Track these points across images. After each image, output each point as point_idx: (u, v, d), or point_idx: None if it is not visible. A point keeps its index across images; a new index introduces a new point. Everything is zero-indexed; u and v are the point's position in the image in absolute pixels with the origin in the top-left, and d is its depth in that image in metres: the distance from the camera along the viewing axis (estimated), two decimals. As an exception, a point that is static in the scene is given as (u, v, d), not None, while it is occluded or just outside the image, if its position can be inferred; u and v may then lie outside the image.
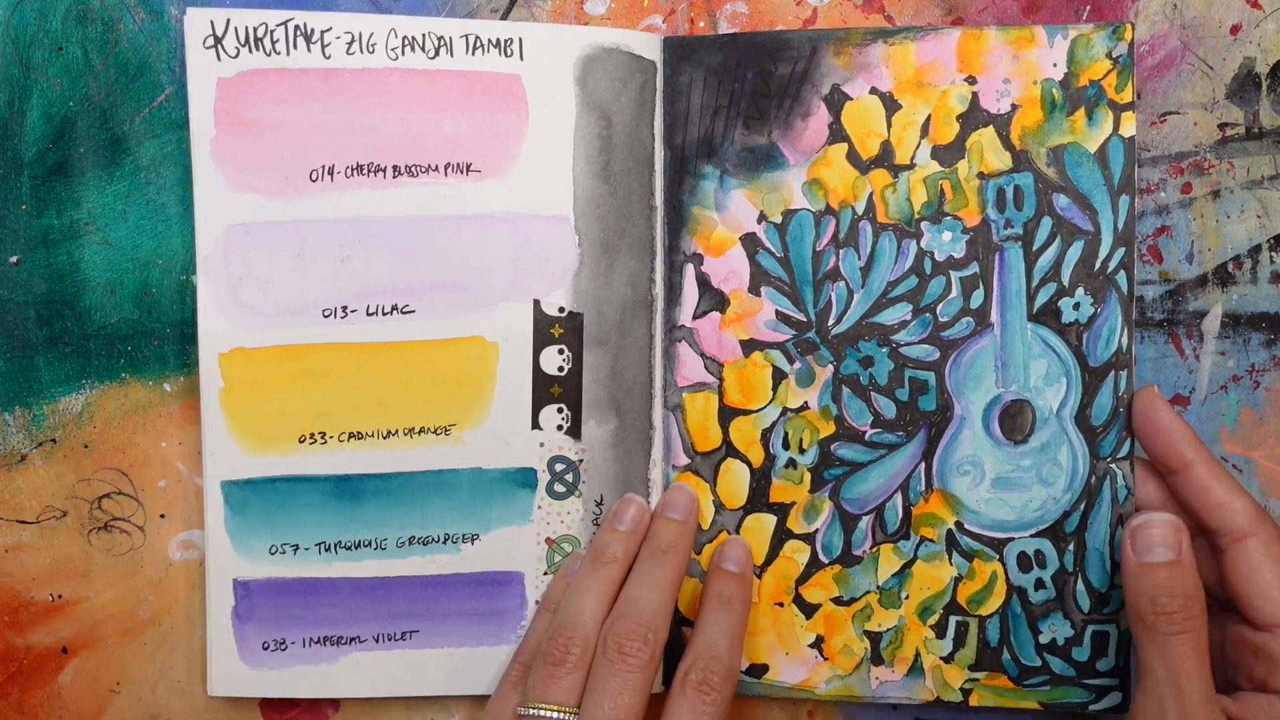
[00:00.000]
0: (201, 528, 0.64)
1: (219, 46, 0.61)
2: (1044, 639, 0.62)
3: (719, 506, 0.64)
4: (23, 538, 0.65)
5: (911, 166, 0.62)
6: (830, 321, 0.63)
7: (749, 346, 0.63)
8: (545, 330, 0.63)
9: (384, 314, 0.62)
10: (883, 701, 0.64)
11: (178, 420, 0.64)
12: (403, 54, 0.62)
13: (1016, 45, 0.61)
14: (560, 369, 0.63)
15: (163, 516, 0.65)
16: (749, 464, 0.64)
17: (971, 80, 0.61)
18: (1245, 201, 0.64)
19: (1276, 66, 0.64)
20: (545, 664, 0.57)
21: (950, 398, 0.62)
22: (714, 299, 0.63)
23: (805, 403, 0.63)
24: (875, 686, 0.64)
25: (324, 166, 0.62)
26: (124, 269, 0.64)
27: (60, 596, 0.65)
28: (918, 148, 0.62)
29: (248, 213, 0.62)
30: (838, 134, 0.62)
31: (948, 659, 0.63)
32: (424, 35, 0.62)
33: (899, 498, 0.63)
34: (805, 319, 0.63)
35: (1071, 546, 0.62)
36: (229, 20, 0.61)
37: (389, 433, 0.63)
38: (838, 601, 0.63)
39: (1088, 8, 0.64)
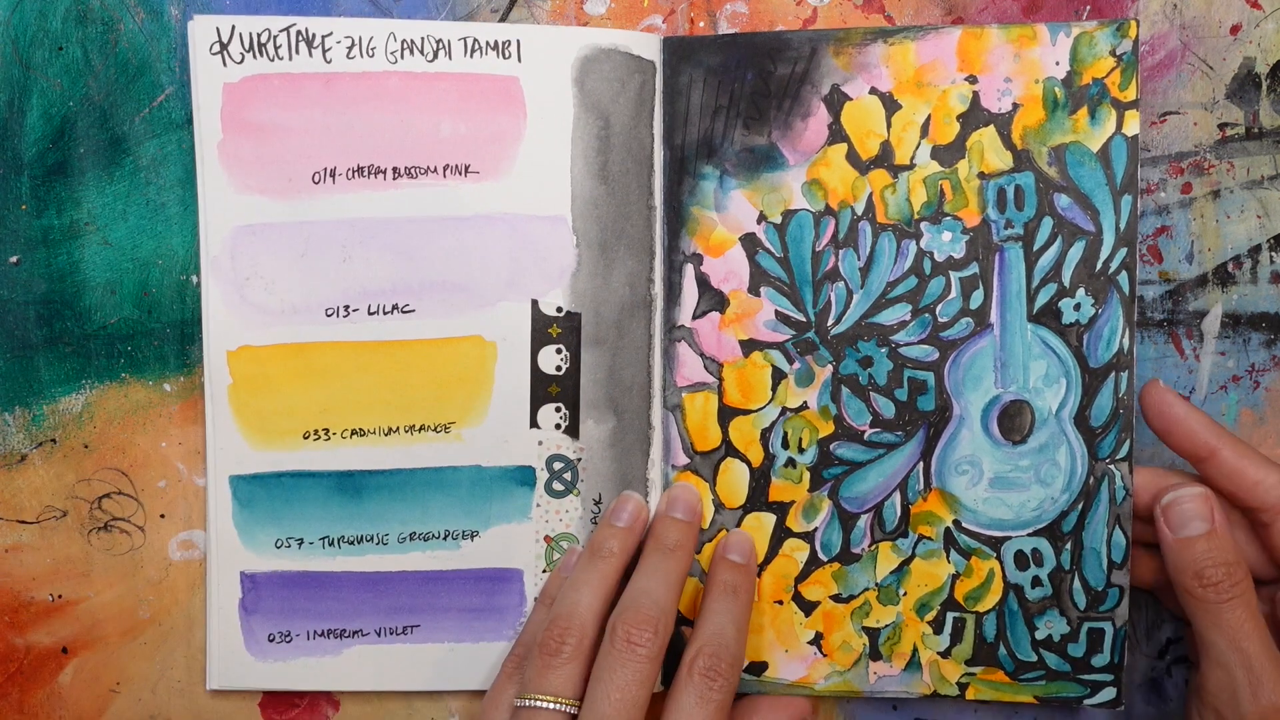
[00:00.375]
0: (202, 527, 0.64)
1: (224, 52, 0.61)
2: (1040, 635, 0.62)
3: (719, 505, 0.63)
4: (23, 538, 0.64)
5: (911, 167, 0.61)
6: (830, 322, 0.62)
7: (748, 346, 0.63)
8: (543, 330, 0.63)
9: (385, 313, 0.63)
10: (881, 696, 0.64)
11: (178, 420, 0.64)
12: (402, 57, 0.62)
13: (1018, 44, 0.60)
14: (558, 368, 0.63)
15: (163, 516, 0.64)
16: (748, 463, 0.63)
17: (972, 79, 0.61)
18: (1245, 201, 0.64)
19: (1276, 66, 0.63)
20: (541, 654, 0.57)
21: (949, 398, 0.62)
22: (713, 299, 0.63)
23: (804, 402, 0.63)
24: (873, 681, 0.63)
25: (326, 168, 0.62)
26: (124, 269, 0.63)
27: (60, 596, 0.65)
28: (918, 148, 0.61)
29: (253, 214, 0.62)
30: (837, 134, 0.62)
31: (945, 654, 0.63)
32: (423, 38, 0.62)
33: (897, 497, 0.62)
34: (805, 319, 0.62)
35: (1069, 546, 0.62)
36: (234, 26, 0.61)
37: (390, 430, 0.63)
38: (836, 599, 0.63)
39: (1088, 7, 0.63)
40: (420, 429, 0.63)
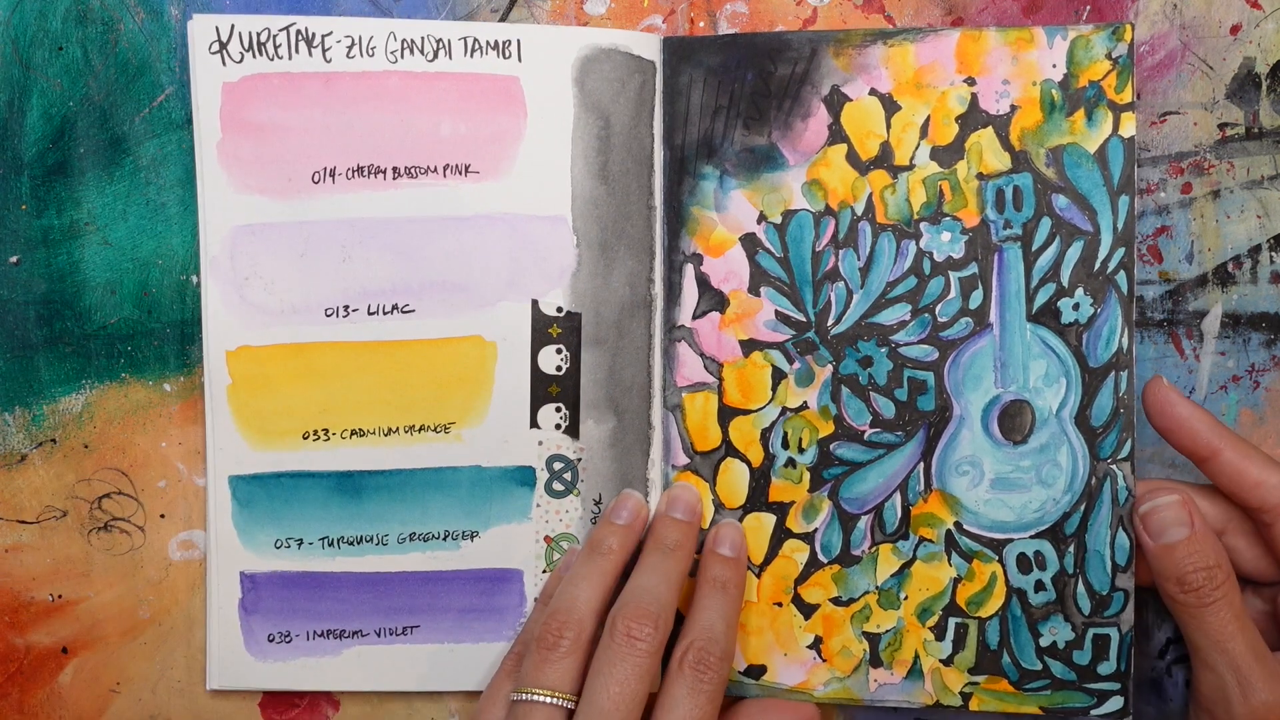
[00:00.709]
0: (202, 527, 0.65)
1: (224, 52, 0.61)
2: (1044, 642, 0.62)
3: (718, 506, 0.63)
4: (23, 538, 0.65)
5: (911, 167, 0.61)
6: (829, 322, 0.62)
7: (748, 346, 0.63)
8: (543, 330, 0.63)
9: (384, 313, 0.63)
10: (882, 705, 0.63)
11: (178, 420, 0.64)
12: (402, 57, 0.62)
13: (1016, 46, 0.61)
14: (558, 368, 0.63)
15: (163, 516, 0.65)
16: (748, 463, 0.63)
17: (971, 81, 0.61)
18: (1245, 201, 0.64)
19: (1276, 66, 0.63)
20: (539, 649, 0.57)
21: (949, 398, 0.62)
22: (713, 299, 0.63)
23: (804, 402, 0.63)
24: (874, 689, 0.63)
25: (325, 168, 0.62)
26: (124, 269, 0.64)
27: (60, 596, 0.65)
28: (917, 148, 0.61)
29: (253, 214, 0.62)
30: (837, 135, 0.62)
31: (947, 661, 0.62)
32: (423, 38, 0.62)
33: (898, 497, 0.62)
34: (805, 319, 0.63)
35: (1072, 548, 0.61)
36: (233, 26, 0.61)
37: (390, 430, 0.63)
38: (836, 602, 0.63)
39: (1087, 8, 0.63)
40: (420, 429, 0.63)
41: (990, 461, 0.62)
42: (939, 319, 0.62)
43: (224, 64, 0.61)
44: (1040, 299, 0.61)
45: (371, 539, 0.64)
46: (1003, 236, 0.61)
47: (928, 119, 0.61)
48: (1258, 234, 0.64)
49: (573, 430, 0.64)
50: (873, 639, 0.63)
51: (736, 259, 0.63)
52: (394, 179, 0.62)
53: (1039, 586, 0.62)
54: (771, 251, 0.62)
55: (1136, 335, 0.63)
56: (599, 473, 0.64)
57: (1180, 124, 0.64)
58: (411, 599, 0.64)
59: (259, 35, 0.61)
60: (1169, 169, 0.64)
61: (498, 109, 0.62)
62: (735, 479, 0.63)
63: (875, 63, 0.61)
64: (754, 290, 0.63)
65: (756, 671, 0.63)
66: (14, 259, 0.63)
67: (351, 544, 0.64)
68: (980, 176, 0.61)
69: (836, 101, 0.62)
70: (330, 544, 0.64)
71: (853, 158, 0.62)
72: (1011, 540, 0.62)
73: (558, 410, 0.63)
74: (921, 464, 0.62)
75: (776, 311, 0.63)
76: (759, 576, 0.63)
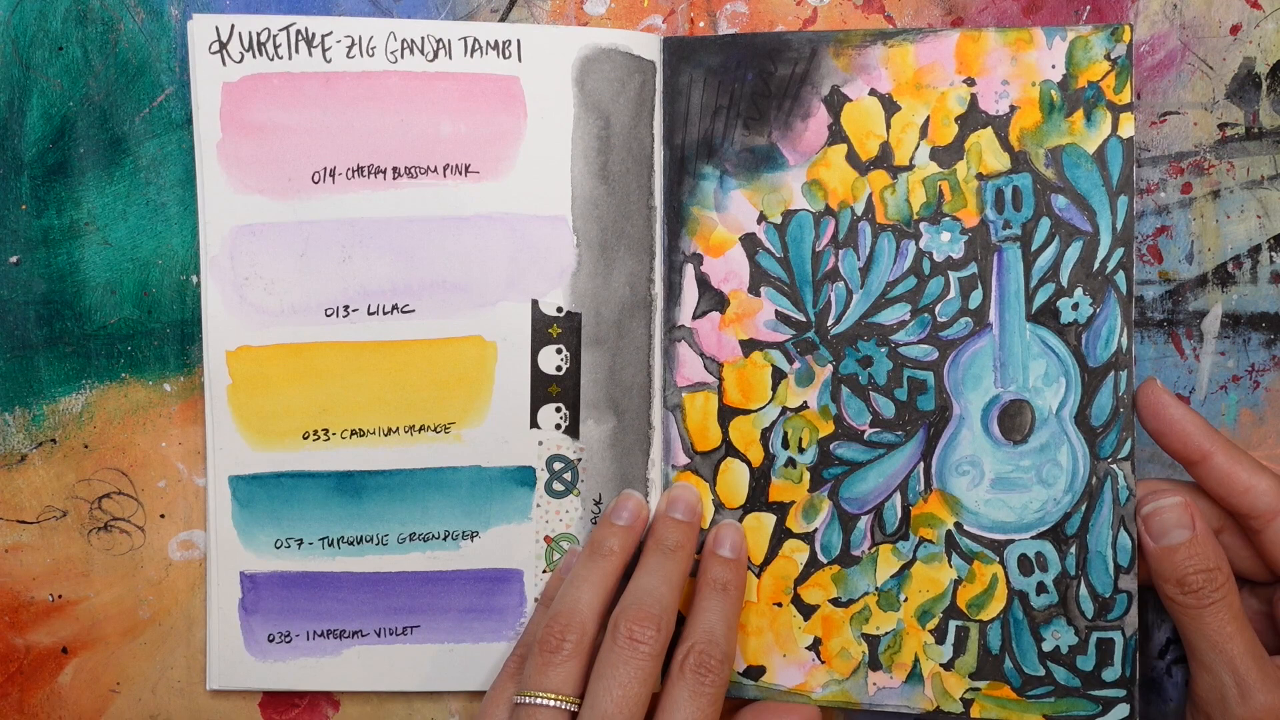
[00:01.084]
0: (202, 527, 0.65)
1: (224, 52, 0.62)
2: (1047, 646, 0.61)
3: (718, 506, 0.64)
4: (23, 538, 0.65)
5: (910, 167, 0.62)
6: (829, 321, 0.63)
7: (748, 346, 0.63)
8: (543, 330, 0.63)
9: (384, 313, 0.63)
10: (880, 709, 0.63)
11: (178, 420, 0.65)
12: (402, 57, 0.62)
13: (1015, 47, 0.61)
14: (558, 368, 0.63)
15: (163, 516, 0.65)
16: (748, 463, 0.63)
17: (970, 82, 0.61)
18: (1245, 201, 0.64)
19: (1276, 66, 0.64)
20: (541, 652, 0.57)
21: (949, 397, 0.62)
22: (714, 299, 0.63)
23: (804, 402, 0.63)
24: (873, 693, 0.63)
25: (325, 168, 0.62)
26: (124, 269, 0.64)
27: (60, 596, 0.65)
28: (916, 149, 0.62)
29: (253, 214, 0.63)
30: (837, 135, 0.62)
31: (948, 666, 0.62)
32: (423, 38, 0.62)
33: (898, 497, 0.62)
34: (805, 319, 0.63)
35: (1073, 549, 0.61)
36: (233, 26, 0.62)
37: (390, 430, 0.64)
38: (836, 603, 0.63)
39: (1088, 8, 0.64)
40: (420, 429, 0.63)
41: (990, 461, 0.62)
42: (939, 319, 0.62)
43: (224, 64, 0.62)
44: (1039, 299, 0.61)
45: (371, 539, 0.64)
46: (1002, 236, 0.61)
47: (927, 119, 0.62)
48: (1258, 234, 0.64)
49: (573, 430, 0.64)
50: (872, 641, 0.63)
51: (736, 259, 0.63)
52: (394, 179, 0.62)
53: (1040, 589, 0.62)
54: (771, 251, 0.63)
55: (1136, 335, 0.63)
56: (599, 473, 0.64)
57: (1180, 124, 0.64)
58: (411, 599, 0.64)
59: (259, 35, 0.62)
60: (1169, 169, 0.64)
61: (498, 109, 0.62)
62: (735, 479, 0.64)
63: (875, 63, 0.62)
64: (754, 290, 0.63)
65: (755, 672, 0.64)
66: (14, 259, 0.64)
67: (351, 544, 0.64)
68: (980, 177, 0.61)
69: (836, 102, 0.62)
70: (330, 544, 0.64)
71: (853, 158, 0.62)
72: (1012, 541, 0.62)
73: (558, 410, 0.64)
74: (921, 464, 0.62)
75: (776, 311, 0.63)
76: (759, 577, 0.64)
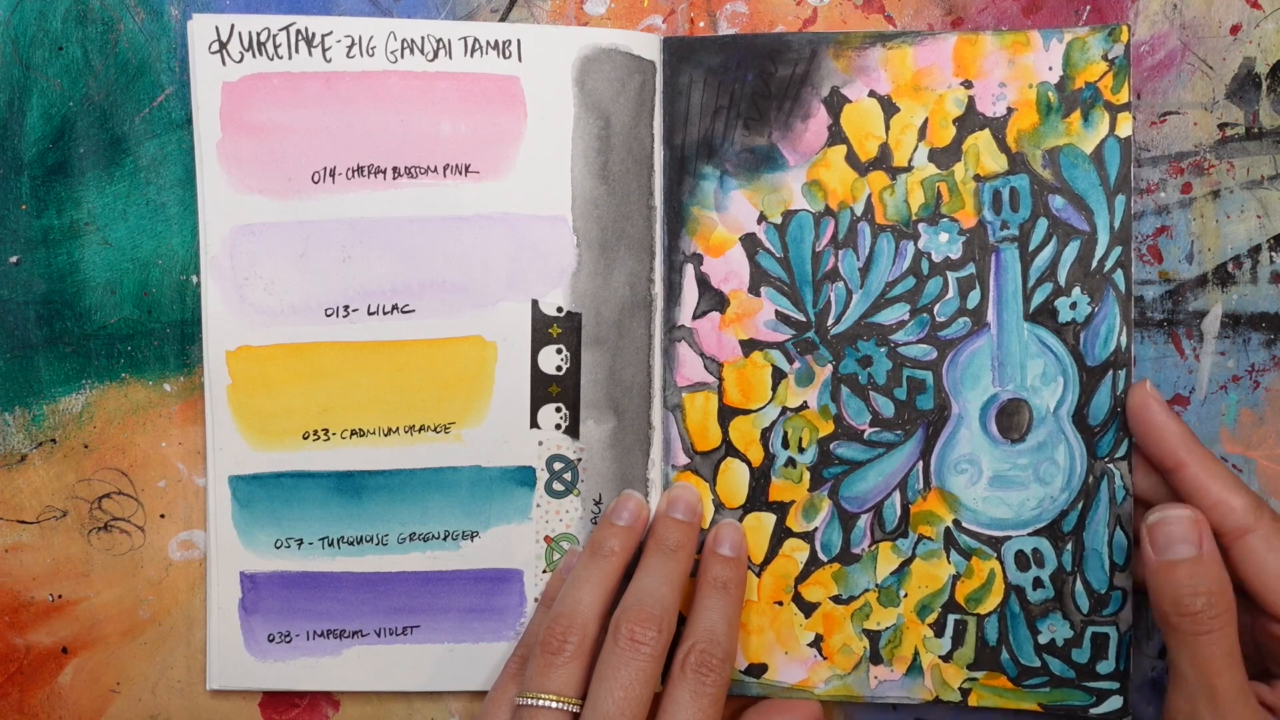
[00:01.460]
0: (202, 527, 0.65)
1: (224, 51, 0.62)
2: (1043, 639, 0.62)
3: (718, 505, 0.64)
4: (23, 538, 0.65)
5: (909, 169, 0.62)
6: (829, 321, 0.63)
7: (748, 346, 0.64)
8: (543, 330, 0.64)
9: (384, 313, 0.63)
10: (882, 701, 0.64)
11: (178, 420, 0.65)
12: (402, 57, 0.62)
13: (1012, 49, 0.61)
14: (558, 368, 0.64)
15: (163, 516, 0.65)
16: (748, 463, 0.64)
17: (968, 84, 0.62)
18: (1245, 201, 0.64)
19: (1276, 66, 0.64)
20: (542, 653, 0.57)
21: (948, 397, 0.62)
22: (714, 299, 0.64)
23: (804, 402, 0.63)
24: (874, 686, 0.64)
25: (325, 168, 0.63)
26: (124, 269, 0.64)
27: (60, 596, 0.65)
28: (915, 150, 0.62)
29: (253, 214, 0.63)
30: (837, 136, 0.62)
31: (946, 658, 0.63)
32: (423, 38, 0.62)
33: (897, 496, 0.63)
34: (804, 319, 0.63)
35: (1070, 546, 0.62)
36: (233, 25, 0.62)
37: (390, 430, 0.64)
38: (836, 600, 0.63)
39: (1087, 8, 0.64)
40: (420, 429, 0.64)
41: (988, 460, 0.62)
42: (937, 319, 0.62)
43: (224, 64, 0.62)
44: (1037, 298, 0.62)
45: (371, 539, 0.64)
46: (1000, 237, 0.62)
47: (926, 121, 0.62)
48: (1258, 234, 0.64)
49: (573, 430, 0.64)
50: (873, 636, 0.63)
51: (736, 259, 0.63)
52: (394, 179, 0.63)
53: (1037, 584, 0.62)
54: (771, 251, 0.63)
55: (1136, 336, 0.63)
56: (599, 473, 0.64)
57: (1180, 124, 0.64)
58: (411, 599, 0.64)
59: (259, 35, 0.62)
60: (1169, 169, 0.64)
61: (498, 109, 0.63)
62: (735, 479, 0.64)
63: (874, 65, 0.62)
64: (754, 290, 0.63)
65: (758, 670, 0.64)
66: (14, 259, 0.64)
67: (351, 544, 0.64)
68: (977, 178, 0.62)
69: (836, 103, 0.62)
70: (330, 544, 0.64)
71: (852, 159, 0.63)
72: (1010, 538, 0.62)
73: (558, 410, 0.64)
74: (920, 462, 0.63)
75: (776, 311, 0.63)
76: (759, 576, 0.64)
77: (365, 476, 0.64)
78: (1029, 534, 0.62)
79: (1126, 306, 0.61)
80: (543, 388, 0.64)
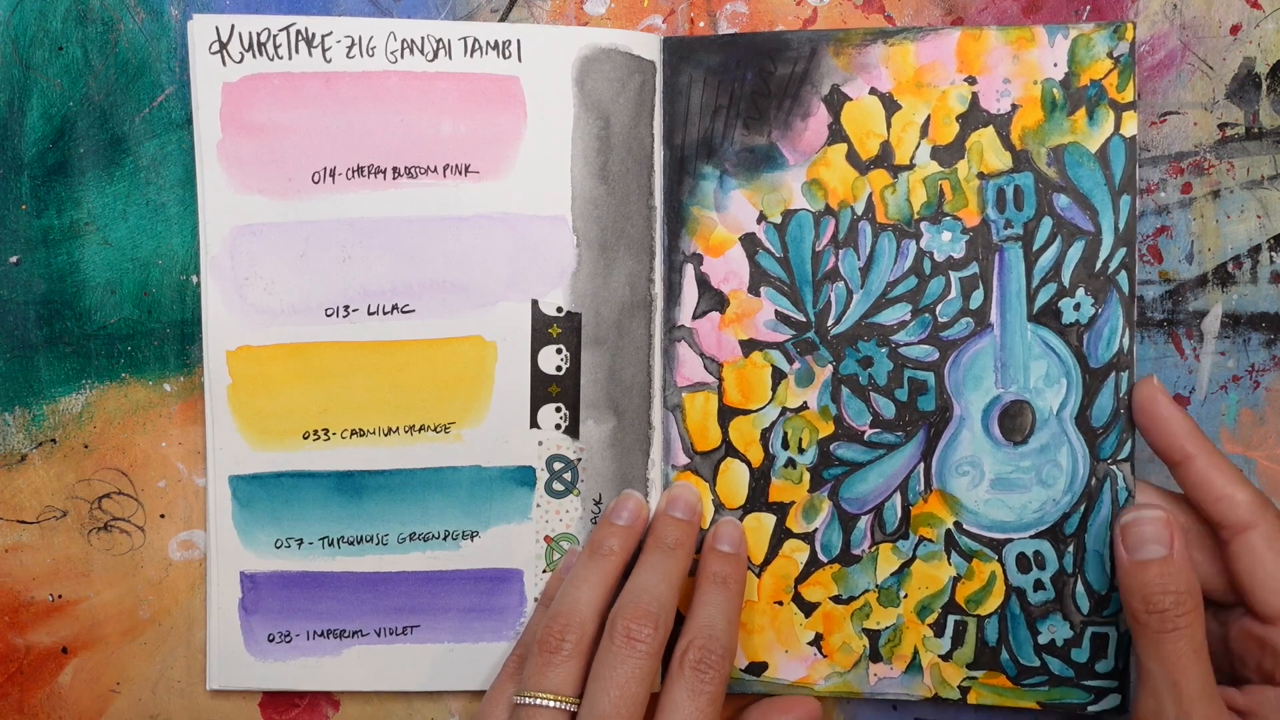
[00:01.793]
0: (202, 527, 0.64)
1: (224, 52, 0.61)
2: (1043, 640, 0.61)
3: (718, 506, 0.63)
4: (23, 538, 0.64)
5: (911, 167, 0.61)
6: (829, 322, 0.62)
7: (748, 346, 0.62)
8: (543, 330, 0.62)
9: (384, 313, 0.62)
10: (881, 698, 0.63)
11: (178, 420, 0.64)
12: (402, 57, 0.61)
13: (1016, 45, 0.60)
14: (558, 368, 0.63)
15: (163, 516, 0.64)
16: (748, 464, 0.63)
17: (971, 80, 0.60)
18: (1245, 201, 0.63)
19: (1276, 66, 0.63)
20: (540, 652, 0.56)
21: (949, 398, 0.61)
22: (713, 299, 0.63)
23: (804, 403, 0.62)
24: (874, 683, 0.63)
25: (325, 168, 0.62)
26: (124, 269, 0.63)
27: (60, 596, 0.64)
28: (917, 148, 0.61)
29: (253, 214, 0.62)
30: (837, 134, 0.61)
31: (946, 657, 0.62)
32: (423, 38, 0.61)
33: (898, 498, 0.62)
34: (804, 319, 0.62)
35: (1071, 548, 0.61)
36: (233, 26, 0.61)
37: (390, 430, 0.63)
38: (836, 600, 0.62)
39: (1087, 8, 0.63)
40: (420, 429, 0.63)
41: (990, 462, 0.61)
42: (939, 319, 0.61)
43: (224, 64, 0.61)
44: (1041, 299, 0.60)
45: (371, 539, 0.63)
46: (1003, 236, 0.60)
47: (928, 118, 0.61)
48: (1258, 234, 0.63)
49: (573, 430, 0.63)
50: (872, 635, 0.62)
51: (736, 259, 0.62)
52: (394, 179, 0.62)
53: (1038, 586, 0.61)
54: (771, 251, 0.62)
55: (1137, 335, 0.62)
56: (599, 473, 0.63)
57: (1180, 124, 0.63)
58: (411, 599, 0.64)
59: (259, 35, 0.61)
60: (1169, 169, 0.63)
61: (498, 109, 0.62)
62: (735, 479, 0.63)
63: (875, 62, 0.61)
64: (754, 290, 0.62)
65: (758, 668, 0.63)
66: (14, 259, 0.63)
67: (351, 544, 0.63)
68: (981, 176, 0.60)
69: (836, 101, 0.61)
70: (330, 544, 0.63)
71: (853, 157, 0.61)
72: (1011, 540, 0.61)
73: (558, 410, 0.63)
74: (921, 464, 0.61)
75: (776, 311, 0.62)
76: (759, 576, 0.63)
77: (365, 476, 0.63)
78: (1030, 536, 0.61)
79: (1130, 308, 0.60)
80: (543, 388, 0.63)
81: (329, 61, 0.61)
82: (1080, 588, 0.61)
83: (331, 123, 0.61)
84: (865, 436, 0.62)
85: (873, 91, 0.61)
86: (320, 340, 0.62)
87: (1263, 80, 0.63)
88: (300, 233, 0.62)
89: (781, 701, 0.61)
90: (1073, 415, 0.60)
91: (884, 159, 0.61)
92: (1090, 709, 0.61)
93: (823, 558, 0.62)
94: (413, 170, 0.62)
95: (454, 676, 0.64)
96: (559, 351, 0.63)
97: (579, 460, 0.63)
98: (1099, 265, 0.60)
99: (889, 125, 0.61)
